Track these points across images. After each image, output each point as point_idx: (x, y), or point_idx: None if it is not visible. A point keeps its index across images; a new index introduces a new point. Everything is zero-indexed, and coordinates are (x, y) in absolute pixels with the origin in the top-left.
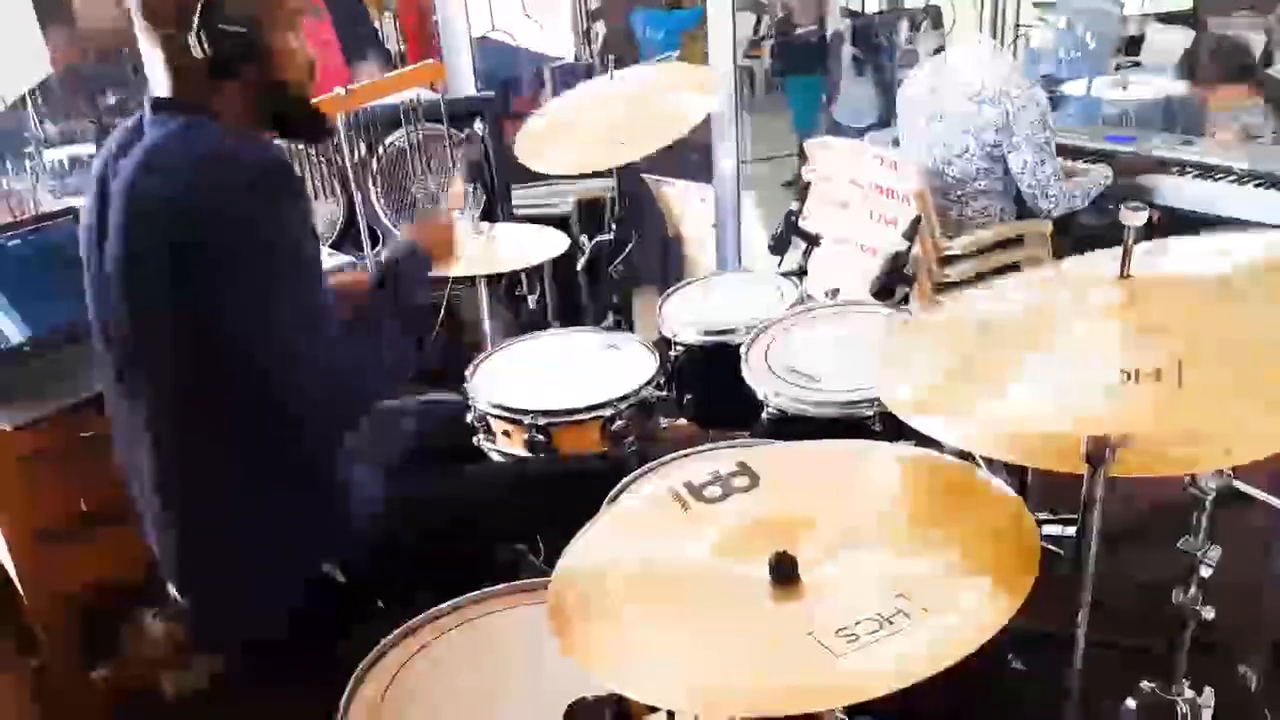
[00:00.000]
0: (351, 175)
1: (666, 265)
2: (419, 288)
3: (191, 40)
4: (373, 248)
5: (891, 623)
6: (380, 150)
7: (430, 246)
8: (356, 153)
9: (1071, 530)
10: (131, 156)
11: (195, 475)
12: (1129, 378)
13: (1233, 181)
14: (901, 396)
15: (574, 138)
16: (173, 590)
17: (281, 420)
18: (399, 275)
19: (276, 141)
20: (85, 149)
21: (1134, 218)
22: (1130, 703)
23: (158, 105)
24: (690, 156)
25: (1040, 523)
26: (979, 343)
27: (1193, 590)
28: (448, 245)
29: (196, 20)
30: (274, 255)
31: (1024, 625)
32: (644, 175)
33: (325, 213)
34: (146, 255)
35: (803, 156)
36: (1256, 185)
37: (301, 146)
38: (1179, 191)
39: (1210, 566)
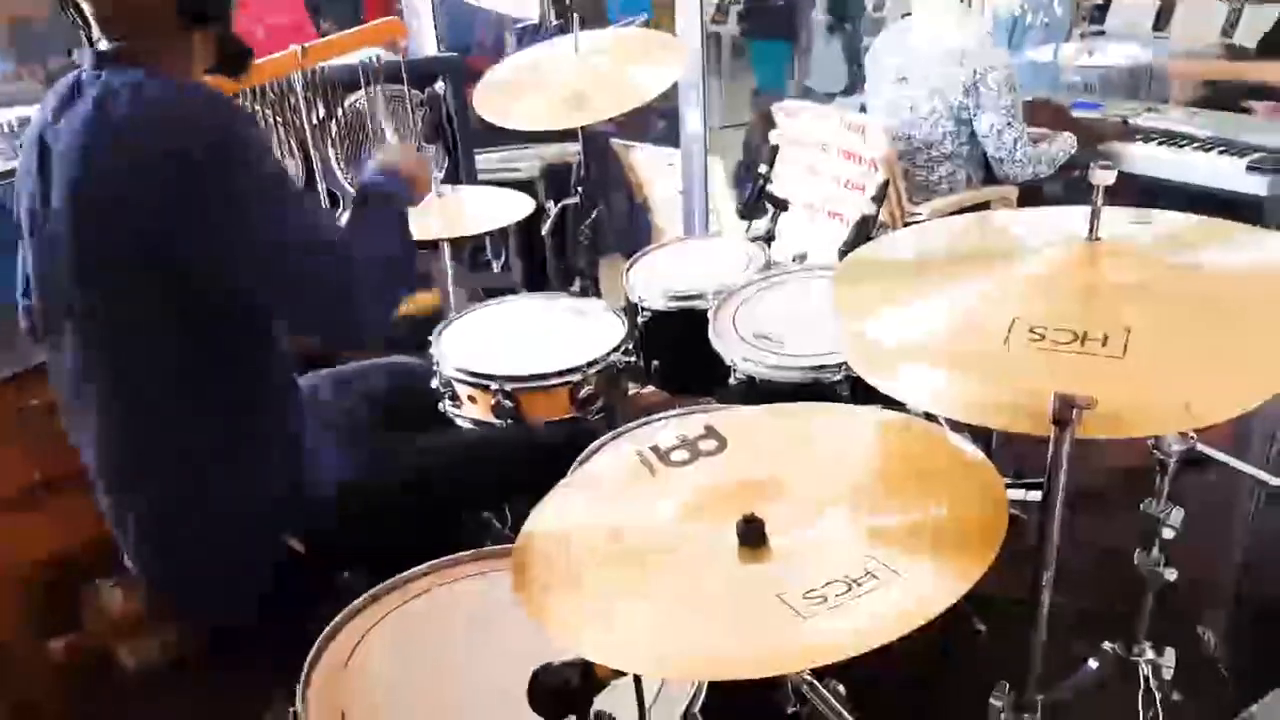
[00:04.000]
0: (310, 136)
1: (634, 231)
2: (400, 210)
3: None
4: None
5: (859, 584)
6: (339, 112)
7: (409, 173)
8: (315, 113)
9: (1036, 494)
10: (77, 114)
11: (148, 444)
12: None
13: (1197, 148)
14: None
15: (534, 95)
16: (129, 562)
17: (240, 385)
18: (383, 194)
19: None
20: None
21: (1103, 177)
22: (1093, 664)
23: (102, 59)
24: (657, 122)
25: (1005, 488)
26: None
27: (1155, 552)
28: (425, 177)
29: None
30: (238, 207)
31: (988, 588)
32: (611, 140)
33: None
34: (102, 214)
35: (771, 123)
36: (1220, 152)
37: (258, 107)
38: (1144, 158)
39: (1172, 529)
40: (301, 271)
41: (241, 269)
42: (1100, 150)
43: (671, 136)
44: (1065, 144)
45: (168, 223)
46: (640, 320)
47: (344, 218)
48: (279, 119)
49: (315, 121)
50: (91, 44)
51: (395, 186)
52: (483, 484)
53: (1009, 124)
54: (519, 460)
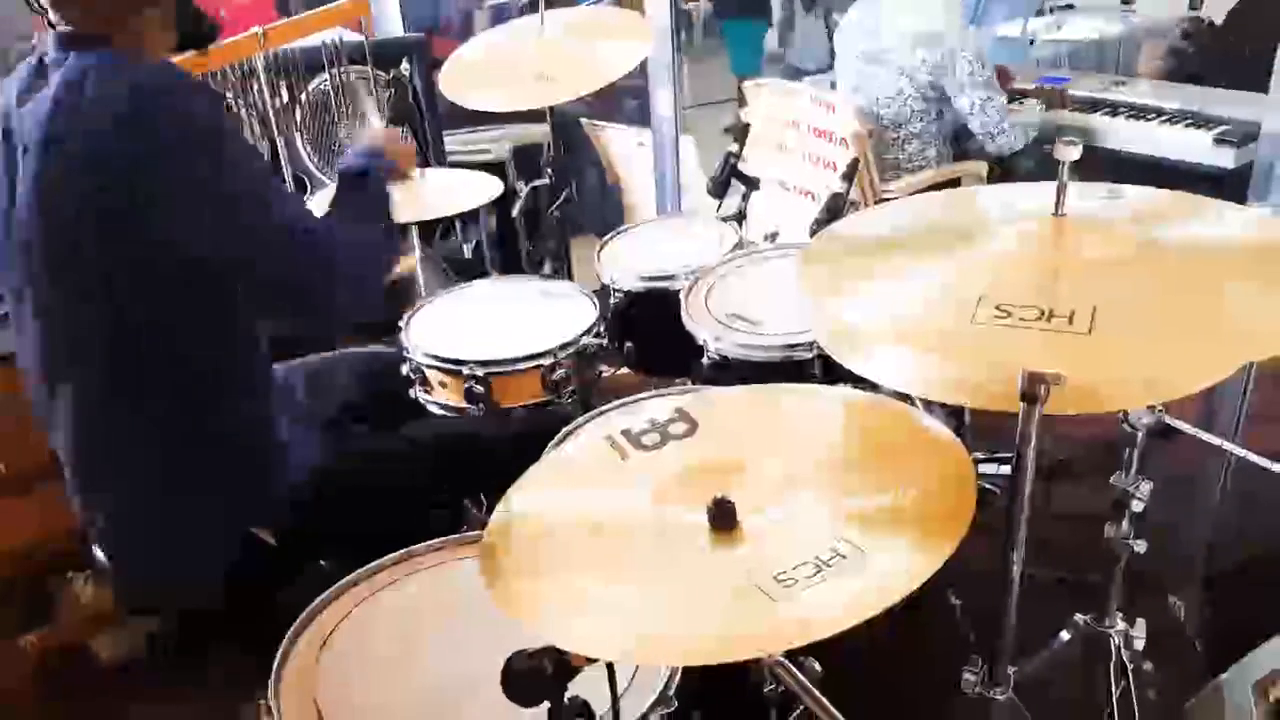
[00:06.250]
0: (274, 120)
1: (605, 211)
2: (382, 192)
3: None
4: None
5: (830, 565)
6: (303, 95)
7: (391, 153)
8: (279, 97)
9: (1008, 469)
10: (40, 102)
11: (117, 437)
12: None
13: (1164, 121)
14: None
15: (502, 75)
16: (99, 554)
17: (212, 378)
18: (366, 177)
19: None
20: None
21: (1068, 152)
22: (1065, 635)
23: (63, 42)
24: (628, 102)
25: (977, 462)
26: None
27: (1125, 524)
28: (409, 155)
29: None
30: (214, 192)
31: (961, 562)
32: (582, 120)
33: None
34: (68, 203)
35: (741, 101)
36: (1187, 125)
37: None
38: (1112, 132)
39: (1142, 501)
40: (281, 258)
41: (216, 255)
42: (1071, 125)
43: (643, 116)
44: (1032, 112)
45: (136, 210)
46: (612, 301)
47: (316, 199)
48: (242, 102)
49: (279, 105)
50: (52, 26)
51: (378, 167)
52: (455, 475)
53: (989, 97)
54: (491, 450)
